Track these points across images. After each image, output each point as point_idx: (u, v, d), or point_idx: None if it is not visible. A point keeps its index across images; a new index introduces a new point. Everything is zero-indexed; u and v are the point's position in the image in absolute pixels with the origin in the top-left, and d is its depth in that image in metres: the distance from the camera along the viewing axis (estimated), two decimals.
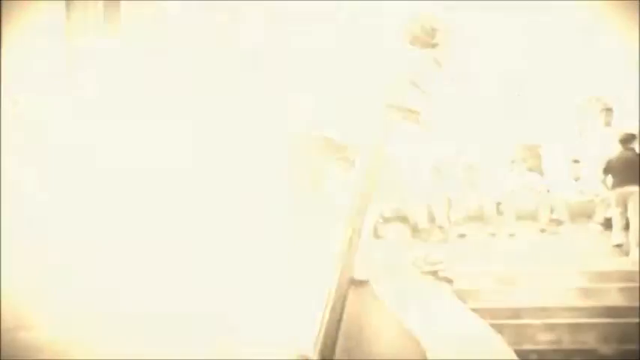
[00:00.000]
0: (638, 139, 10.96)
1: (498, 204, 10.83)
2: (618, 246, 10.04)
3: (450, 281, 2.19)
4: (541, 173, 11.73)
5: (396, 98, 2.12)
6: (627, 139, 10.67)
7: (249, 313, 2.20)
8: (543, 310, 7.77)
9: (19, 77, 9.70)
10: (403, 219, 9.45)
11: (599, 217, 10.67)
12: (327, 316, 1.98)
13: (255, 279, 2.23)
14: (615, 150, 10.87)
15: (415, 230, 10.46)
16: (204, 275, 2.27)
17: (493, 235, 10.72)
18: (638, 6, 11.39)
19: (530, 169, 11.42)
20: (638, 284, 8.40)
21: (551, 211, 10.80)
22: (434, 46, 2.12)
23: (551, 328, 7.30)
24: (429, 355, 1.84)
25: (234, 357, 2.18)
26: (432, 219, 10.78)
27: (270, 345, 2.16)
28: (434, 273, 2.17)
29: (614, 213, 10.21)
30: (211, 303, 2.21)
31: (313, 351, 1.99)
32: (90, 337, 7.02)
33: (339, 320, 1.99)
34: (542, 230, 10.73)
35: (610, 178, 10.60)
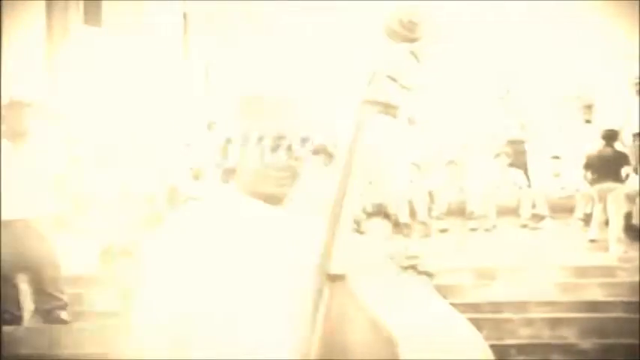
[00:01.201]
0: (620, 136, 11.02)
1: (480, 199, 10.85)
2: (593, 241, 10.10)
3: (430, 275, 2.19)
4: (525, 169, 11.76)
5: (374, 93, 2.11)
6: (610, 136, 10.72)
7: (233, 312, 2.20)
8: (523, 305, 7.80)
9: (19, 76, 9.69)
10: (385, 214, 9.48)
11: (580, 212, 10.72)
12: (305, 311, 1.98)
13: (235, 276, 2.22)
14: (595, 146, 10.92)
15: (396, 225, 10.49)
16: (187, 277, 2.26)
17: (474, 230, 10.75)
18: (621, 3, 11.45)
19: (514, 165, 11.44)
20: (617, 279, 8.46)
21: (533, 206, 10.83)
22: (414, 40, 2.11)
23: (530, 322, 7.32)
24: (401, 353, 1.83)
25: (223, 357, 2.17)
26: (413, 214, 10.80)
27: (252, 342, 2.17)
28: (413, 267, 2.17)
29: (595, 209, 10.26)
30: (195, 304, 2.21)
31: (292, 346, 1.99)
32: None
33: (317, 315, 1.98)
34: (524, 225, 10.77)
35: (590, 175, 10.66)
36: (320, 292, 1.97)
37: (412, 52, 2.11)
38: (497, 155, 11.36)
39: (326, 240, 1.99)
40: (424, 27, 2.09)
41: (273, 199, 2.26)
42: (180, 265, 2.23)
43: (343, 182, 2.05)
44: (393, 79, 2.08)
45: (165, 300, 2.21)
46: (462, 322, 2.02)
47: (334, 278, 1.97)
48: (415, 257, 2.21)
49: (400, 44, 2.10)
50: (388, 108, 2.10)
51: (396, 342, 1.88)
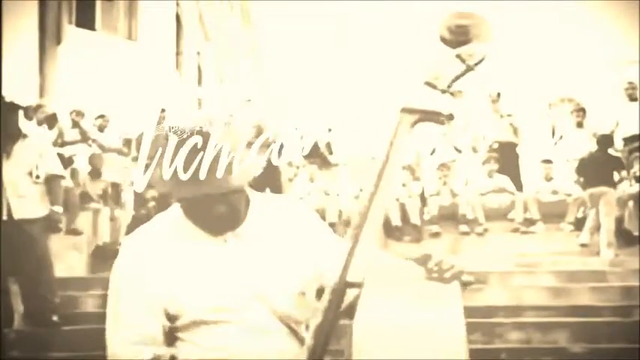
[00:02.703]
0: (614, 141, 11.03)
1: (471, 203, 10.86)
2: (584, 246, 10.11)
3: (470, 284, 2.14)
4: (517, 172, 11.76)
5: (413, 101, 2.06)
6: (604, 141, 10.74)
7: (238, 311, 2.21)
8: (514, 309, 7.80)
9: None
10: None
11: (571, 217, 10.75)
12: (322, 316, 1.97)
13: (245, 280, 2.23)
14: (588, 150, 10.94)
15: (388, 229, 10.48)
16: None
17: (466, 234, 10.76)
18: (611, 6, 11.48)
19: (506, 169, 11.42)
20: (608, 284, 8.47)
21: (524, 210, 10.85)
22: (464, 43, 2.06)
23: (521, 326, 7.32)
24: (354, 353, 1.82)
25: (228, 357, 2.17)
26: (405, 217, 10.80)
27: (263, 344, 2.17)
28: (455, 277, 2.13)
29: (587, 213, 10.28)
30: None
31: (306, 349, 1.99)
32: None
33: (333, 321, 1.97)
34: (515, 230, 10.78)
35: (582, 179, 10.66)
36: (340, 298, 1.95)
37: (458, 56, 2.06)
38: (486, 161, 11.37)
39: (348, 249, 1.96)
40: (475, 29, 2.04)
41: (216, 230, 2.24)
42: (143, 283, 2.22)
43: (373, 192, 2.00)
44: (433, 86, 2.03)
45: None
46: (449, 327, 2.01)
47: (351, 285, 1.96)
48: (457, 269, 2.12)
49: (452, 49, 2.04)
50: (430, 115, 2.04)
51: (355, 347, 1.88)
